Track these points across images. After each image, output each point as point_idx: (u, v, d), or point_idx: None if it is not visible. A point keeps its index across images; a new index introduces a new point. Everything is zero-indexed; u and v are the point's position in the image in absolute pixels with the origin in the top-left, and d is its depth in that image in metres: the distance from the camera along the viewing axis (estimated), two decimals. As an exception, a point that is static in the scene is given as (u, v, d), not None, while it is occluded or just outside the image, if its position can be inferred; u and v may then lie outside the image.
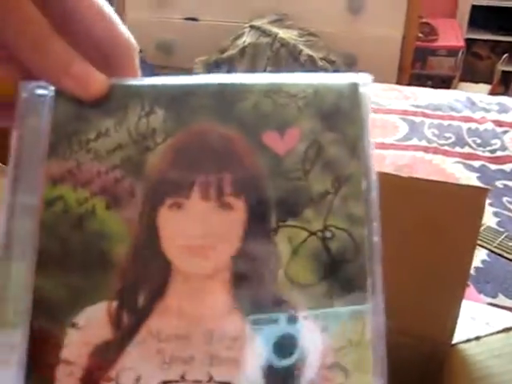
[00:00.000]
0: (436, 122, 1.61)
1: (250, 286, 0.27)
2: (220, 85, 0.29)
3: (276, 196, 0.27)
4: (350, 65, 2.44)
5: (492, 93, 2.72)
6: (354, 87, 0.29)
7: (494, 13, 2.89)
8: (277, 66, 2.27)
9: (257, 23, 2.42)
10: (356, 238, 0.27)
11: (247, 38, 2.38)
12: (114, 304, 0.27)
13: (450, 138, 1.50)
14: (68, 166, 0.28)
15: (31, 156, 0.28)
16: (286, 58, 2.34)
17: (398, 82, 2.51)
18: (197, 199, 0.28)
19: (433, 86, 2.74)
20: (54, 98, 0.29)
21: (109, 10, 0.32)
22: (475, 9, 2.85)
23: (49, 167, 0.28)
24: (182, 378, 0.26)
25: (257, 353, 0.26)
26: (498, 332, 0.39)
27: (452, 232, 0.33)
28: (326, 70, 2.26)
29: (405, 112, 1.66)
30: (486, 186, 0.42)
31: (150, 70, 2.18)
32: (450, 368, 0.44)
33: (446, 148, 1.45)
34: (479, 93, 2.67)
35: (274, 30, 2.39)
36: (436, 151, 1.51)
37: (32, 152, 0.28)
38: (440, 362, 0.45)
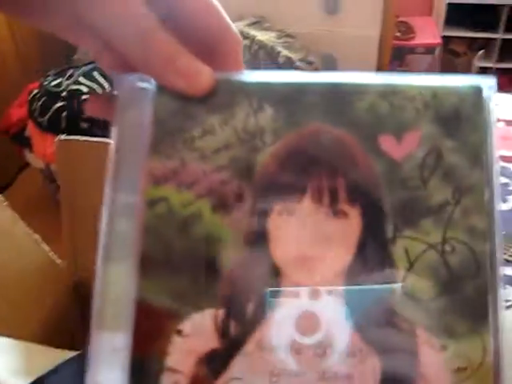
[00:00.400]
0: None
1: (364, 300, 0.25)
2: (333, 84, 0.27)
3: (392, 204, 0.26)
4: (329, 66, 2.45)
5: (470, 89, 2.75)
6: (478, 91, 0.27)
7: (469, 10, 2.92)
8: (255, 68, 2.27)
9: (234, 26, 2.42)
10: (478, 253, 0.26)
11: (225, 41, 2.37)
12: (221, 312, 0.26)
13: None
14: (171, 165, 0.26)
15: (132, 153, 0.27)
16: (265, 59, 2.35)
17: (377, 81, 2.53)
18: (309, 205, 0.26)
19: (411, 84, 2.76)
20: (155, 93, 0.27)
21: (216, 3, 0.31)
22: (451, 6, 2.88)
23: (151, 166, 0.27)
24: None
25: (375, 370, 0.25)
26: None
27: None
28: (304, 71, 2.27)
29: None
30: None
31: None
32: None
33: None
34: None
35: (252, 32, 2.39)
36: None
37: (132, 149, 0.27)
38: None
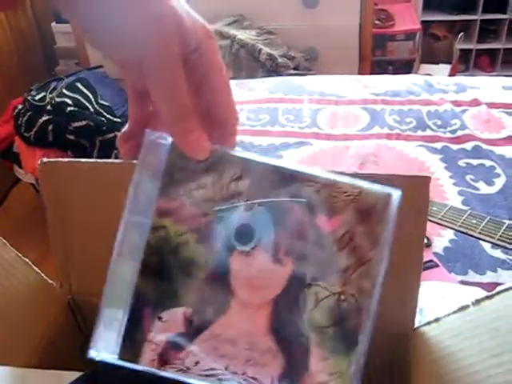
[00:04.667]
0: (396, 108, 1.55)
1: (283, 320, 0.36)
2: (294, 171, 0.37)
3: (314, 262, 0.36)
4: (312, 58, 2.45)
5: (453, 72, 2.76)
6: (389, 195, 0.36)
7: (446, -7, 2.93)
8: (238, 68, 2.28)
9: (214, 26, 2.42)
10: (360, 303, 0.36)
11: (206, 42, 2.36)
12: (189, 310, 0.36)
13: (410, 122, 1.49)
14: (173, 204, 0.36)
15: (147, 187, 0.36)
16: (246, 58, 2.35)
17: (360, 71, 2.52)
18: (260, 251, 0.36)
19: (394, 71, 2.77)
20: (170, 147, 0.36)
21: (229, 82, 0.38)
22: (428, -9, 2.89)
23: (158, 202, 0.36)
24: (226, 368, 0.36)
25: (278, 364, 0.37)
26: (455, 312, 0.40)
27: (401, 222, 0.36)
28: (286, 67, 2.28)
29: (365, 101, 1.65)
30: (426, 175, 0.43)
31: (112, 85, 2.17)
32: (414, 350, 0.46)
33: (408, 133, 1.45)
34: (440, 73, 2.71)
35: (232, 31, 2.39)
36: (398, 137, 1.46)
37: (147, 184, 0.36)
38: (405, 346, 0.47)
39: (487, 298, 0.38)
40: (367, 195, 0.37)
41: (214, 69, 0.37)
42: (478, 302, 0.39)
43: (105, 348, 0.36)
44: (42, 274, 0.51)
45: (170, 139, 0.36)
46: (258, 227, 0.37)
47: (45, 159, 0.49)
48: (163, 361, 0.36)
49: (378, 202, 0.37)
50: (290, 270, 0.37)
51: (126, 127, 0.39)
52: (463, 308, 0.40)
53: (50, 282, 0.52)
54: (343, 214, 0.37)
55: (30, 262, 0.50)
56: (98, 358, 0.35)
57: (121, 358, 0.36)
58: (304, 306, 0.36)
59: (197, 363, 0.36)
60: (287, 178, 0.37)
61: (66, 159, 0.49)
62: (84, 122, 1.83)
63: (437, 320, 0.43)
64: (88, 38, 0.35)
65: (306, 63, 2.41)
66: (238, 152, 0.37)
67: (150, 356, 0.36)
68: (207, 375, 0.36)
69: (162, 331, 0.36)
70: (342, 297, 0.36)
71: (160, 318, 0.36)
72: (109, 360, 0.36)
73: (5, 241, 0.47)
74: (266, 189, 0.37)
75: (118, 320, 0.36)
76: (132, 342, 0.36)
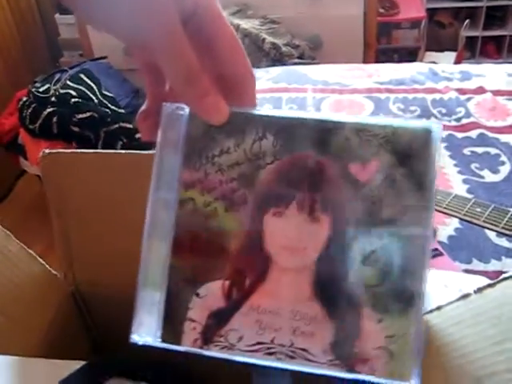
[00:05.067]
0: (400, 96, 1.57)
1: (328, 282, 0.34)
2: (319, 120, 0.35)
3: (354, 215, 0.34)
4: (316, 47, 2.44)
5: (458, 59, 2.73)
6: (427, 131, 0.34)
7: (452, -20, 2.91)
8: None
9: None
10: (411, 254, 0.33)
11: (210, 32, 2.35)
12: (227, 283, 0.35)
13: (415, 110, 1.48)
14: (197, 175, 0.35)
15: (169, 162, 0.35)
16: (250, 47, 2.35)
17: (365, 59, 2.51)
18: (294, 211, 0.34)
19: (400, 59, 2.75)
20: (188, 117, 0.35)
21: (240, 42, 0.37)
22: (433, -22, 2.86)
23: (182, 174, 0.35)
24: (272, 341, 0.34)
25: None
26: (457, 300, 0.40)
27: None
28: (290, 56, 2.27)
29: (369, 90, 1.64)
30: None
31: (116, 76, 2.17)
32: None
33: None
34: (446, 61, 2.69)
35: (236, 21, 2.38)
36: None
37: (170, 159, 0.35)
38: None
39: (489, 286, 0.38)
40: (402, 134, 0.34)
41: (220, 29, 0.36)
42: (480, 290, 0.39)
43: (147, 332, 0.35)
44: (47, 266, 0.51)
45: (187, 109, 0.35)
46: (290, 186, 0.35)
47: (47, 150, 0.49)
48: (206, 339, 0.35)
49: (416, 139, 0.34)
50: (329, 228, 0.34)
51: (144, 105, 0.38)
52: (465, 296, 0.40)
53: (54, 273, 0.52)
54: (378, 158, 0.34)
55: (34, 254, 0.50)
56: (140, 343, 0.35)
57: (163, 340, 0.35)
58: (350, 264, 0.34)
59: (240, 338, 0.35)
60: (314, 129, 0.35)
61: (68, 150, 0.49)
62: (88, 114, 1.83)
63: (439, 308, 0.43)
64: (87, 17, 0.34)
65: (310, 52, 2.40)
66: (258, 110, 0.36)
67: (192, 335, 0.35)
68: (253, 351, 0.35)
69: (202, 308, 0.35)
70: (391, 248, 0.34)
71: (198, 295, 0.35)
72: (152, 343, 0.35)
73: (9, 233, 0.48)
74: (291, 144, 0.35)
75: (156, 302, 0.35)
76: (173, 323, 0.35)
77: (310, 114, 0.35)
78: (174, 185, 0.36)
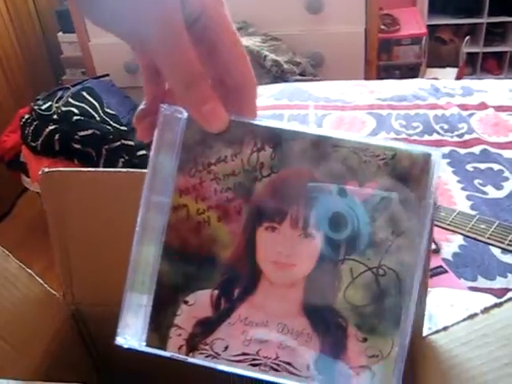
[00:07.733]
0: (402, 112, 1.57)
1: (317, 299, 0.34)
2: (320, 136, 0.34)
3: (347, 234, 0.34)
4: (318, 64, 2.45)
5: (459, 75, 2.74)
6: (427, 156, 0.33)
7: (452, -3, 2.92)
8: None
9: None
10: (401, 279, 0.33)
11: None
12: (216, 292, 0.35)
13: (417, 127, 1.47)
14: (192, 181, 0.35)
15: (164, 165, 0.35)
16: (252, 65, 2.34)
17: (366, 76, 2.51)
18: (287, 227, 0.34)
19: (401, 76, 2.76)
20: (186, 122, 0.34)
21: (244, 49, 0.36)
22: (433, -5, 2.88)
23: (177, 180, 0.35)
24: (257, 353, 0.34)
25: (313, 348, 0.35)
26: (464, 320, 0.39)
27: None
28: (292, 73, 2.28)
29: (371, 106, 1.63)
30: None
31: (118, 94, 2.18)
32: (422, 360, 0.45)
33: (415, 137, 1.43)
34: (447, 77, 2.69)
35: (238, 38, 2.39)
36: (405, 142, 1.48)
37: (165, 162, 0.35)
38: (413, 354, 0.46)
39: (496, 305, 0.37)
40: (403, 157, 0.34)
41: (224, 34, 0.35)
42: (487, 309, 0.38)
43: (132, 335, 0.35)
44: (46, 286, 0.51)
45: (186, 113, 0.34)
46: (284, 200, 0.34)
47: (46, 169, 0.49)
48: (191, 347, 0.34)
49: (416, 164, 0.33)
50: (321, 244, 0.34)
51: (142, 105, 0.37)
52: (472, 316, 0.39)
53: (54, 293, 0.51)
54: (377, 179, 0.34)
55: (33, 274, 0.50)
56: (125, 346, 0.35)
57: (148, 344, 0.35)
58: (339, 283, 0.34)
59: (226, 348, 0.35)
60: (313, 145, 0.34)
61: (67, 168, 0.49)
62: (90, 131, 1.83)
63: (445, 328, 0.42)
64: (91, 14, 0.33)
65: (311, 69, 2.41)
66: (258, 121, 0.35)
67: (178, 342, 0.35)
68: (237, 361, 0.35)
69: (189, 315, 0.35)
70: (381, 271, 0.33)
71: (186, 302, 0.35)
72: (137, 347, 0.35)
73: (8, 252, 0.47)
74: (289, 158, 0.34)
75: (143, 305, 0.35)
76: (159, 328, 0.35)
77: (311, 129, 0.35)
78: (169, 189, 0.35)
